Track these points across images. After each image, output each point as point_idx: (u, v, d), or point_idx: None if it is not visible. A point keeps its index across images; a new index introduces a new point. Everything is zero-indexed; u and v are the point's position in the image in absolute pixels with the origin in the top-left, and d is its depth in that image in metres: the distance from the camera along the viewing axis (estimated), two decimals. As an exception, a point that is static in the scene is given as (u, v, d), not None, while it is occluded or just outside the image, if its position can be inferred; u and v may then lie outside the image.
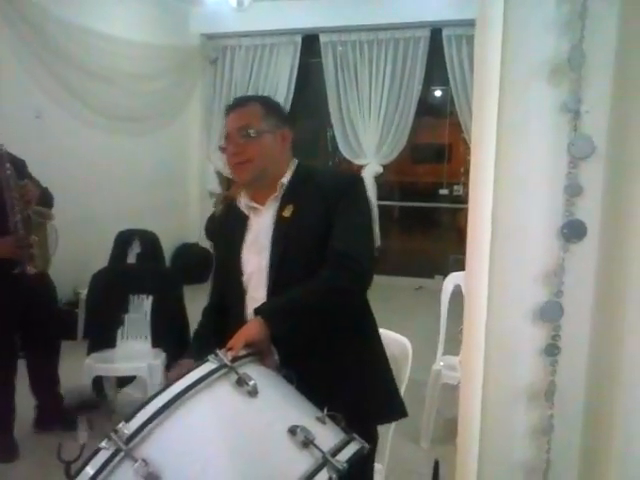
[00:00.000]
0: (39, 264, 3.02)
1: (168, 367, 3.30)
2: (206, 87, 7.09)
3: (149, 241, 4.83)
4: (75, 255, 4.99)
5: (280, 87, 6.78)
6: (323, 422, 1.24)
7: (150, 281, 3.54)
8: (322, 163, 7.34)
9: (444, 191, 6.69)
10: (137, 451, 1.07)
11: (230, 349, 1.30)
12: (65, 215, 4.47)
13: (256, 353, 1.35)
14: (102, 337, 3.44)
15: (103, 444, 1.09)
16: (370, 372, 1.61)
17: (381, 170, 6.56)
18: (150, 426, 1.09)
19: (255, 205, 1.64)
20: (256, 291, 1.58)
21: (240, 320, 1.59)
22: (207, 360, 1.22)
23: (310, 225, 1.53)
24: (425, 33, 6.24)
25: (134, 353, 3.35)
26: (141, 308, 3.48)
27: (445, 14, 5.99)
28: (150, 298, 3.46)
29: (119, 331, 3.43)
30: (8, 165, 2.88)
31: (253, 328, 1.38)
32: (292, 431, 1.15)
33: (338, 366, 1.53)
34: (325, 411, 1.26)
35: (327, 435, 1.19)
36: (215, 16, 6.55)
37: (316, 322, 1.46)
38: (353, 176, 1.73)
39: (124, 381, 3.62)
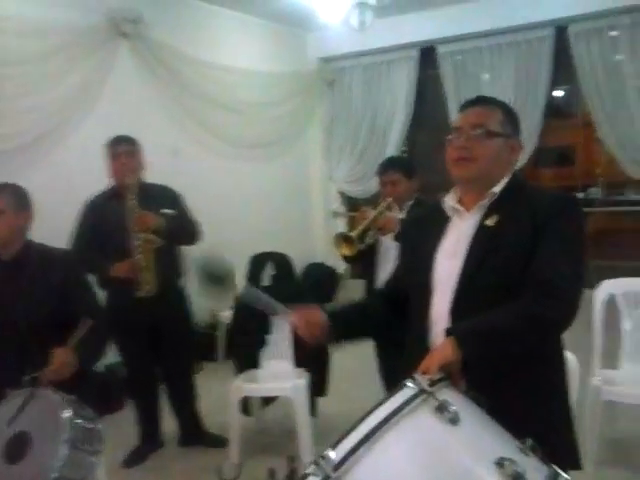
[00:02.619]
0: (147, 288, 3.14)
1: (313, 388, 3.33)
2: (325, 110, 7.19)
3: (282, 263, 4.94)
4: (212, 279, 5.20)
5: (399, 102, 6.73)
6: (526, 453, 1.14)
7: (292, 302, 3.57)
8: (446, 174, 7.17)
9: (579, 194, 6.30)
10: (345, 479, 1.04)
11: (425, 372, 1.24)
12: (203, 242, 4.72)
13: (447, 377, 1.28)
14: (247, 358, 3.52)
15: (310, 470, 1.07)
16: (558, 405, 1.49)
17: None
18: (357, 454, 1.06)
19: (461, 208, 1.58)
20: (442, 295, 1.51)
21: (421, 322, 1.54)
22: (406, 385, 1.17)
23: (513, 239, 1.44)
24: (549, 32, 5.93)
25: (278, 373, 3.40)
26: (282, 329, 3.53)
27: (569, 10, 5.67)
28: (291, 318, 3.50)
29: (262, 352, 3.51)
30: (133, 196, 3.11)
31: (447, 349, 1.31)
32: (500, 464, 1.07)
33: (527, 394, 1.43)
34: (529, 442, 1.16)
35: (534, 468, 1.10)
36: (331, 39, 6.64)
37: (510, 350, 1.37)
38: (568, 196, 1.61)
39: (267, 400, 3.70)
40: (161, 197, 3.32)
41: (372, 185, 7.04)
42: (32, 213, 2.35)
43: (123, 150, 3.20)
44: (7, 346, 2.19)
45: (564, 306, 1.37)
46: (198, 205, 4.80)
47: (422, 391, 1.16)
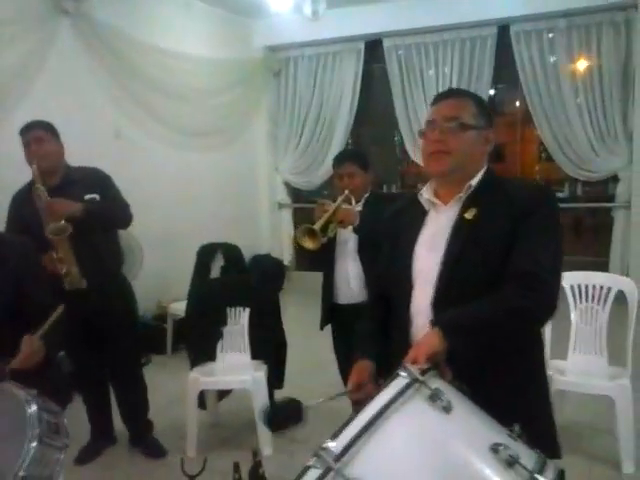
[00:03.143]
0: (70, 280, 2.93)
1: (270, 380, 3.33)
2: (271, 100, 7.16)
3: (232, 254, 4.89)
4: (158, 270, 5.10)
5: (344, 95, 6.78)
6: (515, 439, 1.19)
7: (246, 293, 3.56)
8: (390, 168, 7.30)
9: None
10: (347, 470, 1.06)
11: (413, 362, 1.27)
12: (148, 231, 4.61)
13: (433, 366, 1.31)
14: (202, 351, 3.48)
15: (312, 462, 1.08)
16: (537, 394, 1.55)
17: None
18: (357, 444, 1.08)
19: (437, 202, 1.60)
20: (422, 288, 1.53)
21: (402, 315, 1.56)
22: (398, 374, 1.20)
23: (493, 232, 1.46)
24: (492, 31, 6.12)
25: (236, 366, 3.38)
26: (238, 321, 3.52)
27: (512, 10, 5.87)
28: (247, 310, 3.49)
29: (218, 344, 3.48)
30: (40, 184, 2.90)
31: (434, 340, 1.34)
32: (494, 449, 1.11)
33: (508, 385, 1.47)
34: (516, 428, 1.21)
35: (525, 453, 1.14)
36: (278, 28, 6.61)
37: (494, 341, 1.41)
38: (545, 189, 1.64)
39: (222, 394, 3.67)
40: (86, 181, 3.10)
41: (317, 177, 7.10)
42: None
43: (32, 137, 2.99)
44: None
45: (546, 298, 1.41)
46: (142, 190, 4.70)
47: (415, 380, 1.18)
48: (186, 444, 3.24)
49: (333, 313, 3.09)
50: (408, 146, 6.58)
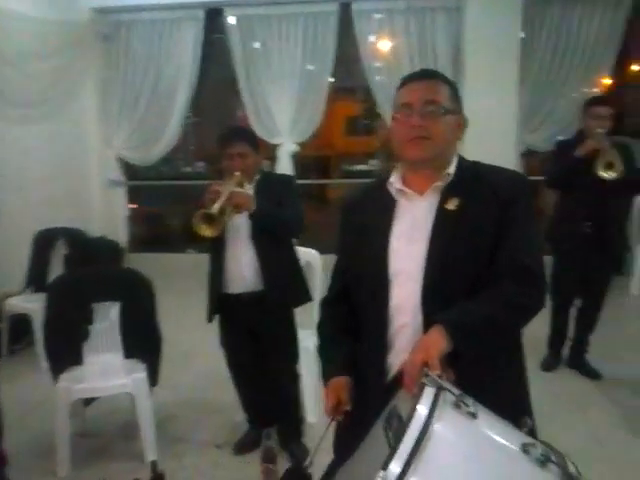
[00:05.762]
0: None
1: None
2: (100, 67, 6.49)
3: (77, 240, 4.39)
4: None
5: (184, 65, 6.38)
6: (533, 436, 1.18)
7: (114, 286, 3.20)
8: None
9: (359, 166, 6.73)
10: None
11: (426, 366, 1.19)
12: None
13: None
14: (67, 354, 3.07)
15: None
16: (522, 390, 1.54)
17: (296, 148, 6.44)
18: (408, 473, 0.97)
19: (409, 191, 1.50)
20: (404, 285, 1.43)
21: (377, 313, 1.46)
22: (425, 383, 1.11)
23: (480, 223, 1.40)
24: (334, 7, 6.15)
25: (109, 368, 3.03)
26: (107, 317, 3.15)
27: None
28: (117, 305, 3.14)
29: (85, 345, 3.09)
30: None
31: (440, 340, 1.25)
32: (525, 450, 1.08)
33: (498, 381, 1.43)
34: (529, 423, 1.20)
35: (548, 449, 1.13)
36: (107, -12, 5.99)
37: (499, 339, 1.38)
38: (523, 176, 1.59)
39: (89, 399, 3.29)
40: None
41: (155, 152, 6.66)
42: None
43: None
44: None
45: (542, 293, 1.40)
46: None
47: (440, 388, 1.11)
48: (55, 463, 2.84)
49: (222, 303, 2.90)
50: (252, 119, 6.41)
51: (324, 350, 1.59)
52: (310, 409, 3.15)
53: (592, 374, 3.85)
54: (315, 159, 9.01)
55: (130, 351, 3.14)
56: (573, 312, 4.00)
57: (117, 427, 3.22)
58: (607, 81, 6.22)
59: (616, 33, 6.02)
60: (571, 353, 4.03)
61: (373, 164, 7.73)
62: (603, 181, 3.50)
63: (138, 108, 6.53)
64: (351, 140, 10.00)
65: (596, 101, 3.71)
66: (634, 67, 8.43)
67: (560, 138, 5.24)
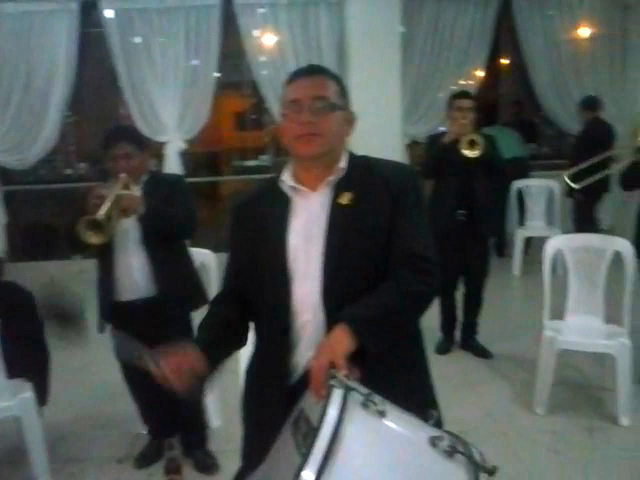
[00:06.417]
0: None
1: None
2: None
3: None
4: None
5: (60, 61, 6.00)
6: (438, 427, 1.20)
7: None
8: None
9: (250, 162, 6.67)
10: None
11: (332, 366, 1.17)
12: None
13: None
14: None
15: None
16: (426, 379, 1.57)
17: (184, 146, 6.27)
18: (324, 476, 0.96)
19: (302, 188, 1.48)
20: (304, 283, 1.42)
21: (278, 312, 1.44)
22: (333, 385, 1.10)
23: (374, 216, 1.41)
24: (216, 1, 6.02)
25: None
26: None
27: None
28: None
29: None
30: None
31: (345, 339, 1.24)
32: (433, 443, 1.10)
33: (400, 372, 1.44)
34: (436, 415, 1.22)
35: (454, 440, 1.16)
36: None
37: (401, 331, 1.39)
38: (412, 167, 1.62)
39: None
40: None
41: (32, 155, 6.25)
42: None
43: None
44: None
45: (437, 278, 1.42)
46: None
47: (348, 388, 1.10)
48: None
49: (113, 312, 2.75)
50: (135, 117, 6.16)
51: (199, 331, 1.55)
52: (213, 413, 3.08)
53: (483, 353, 4.06)
54: (205, 156, 8.85)
55: (14, 370, 2.91)
56: (460, 296, 4.19)
57: (3, 453, 2.98)
58: (481, 74, 6.57)
59: (487, 29, 6.38)
60: (462, 335, 4.24)
61: (264, 159, 7.70)
62: (470, 169, 3.77)
63: (10, 107, 6.08)
64: (241, 135, 9.92)
65: (459, 95, 4.02)
66: (504, 61, 9.00)
67: (441, 129, 5.49)
